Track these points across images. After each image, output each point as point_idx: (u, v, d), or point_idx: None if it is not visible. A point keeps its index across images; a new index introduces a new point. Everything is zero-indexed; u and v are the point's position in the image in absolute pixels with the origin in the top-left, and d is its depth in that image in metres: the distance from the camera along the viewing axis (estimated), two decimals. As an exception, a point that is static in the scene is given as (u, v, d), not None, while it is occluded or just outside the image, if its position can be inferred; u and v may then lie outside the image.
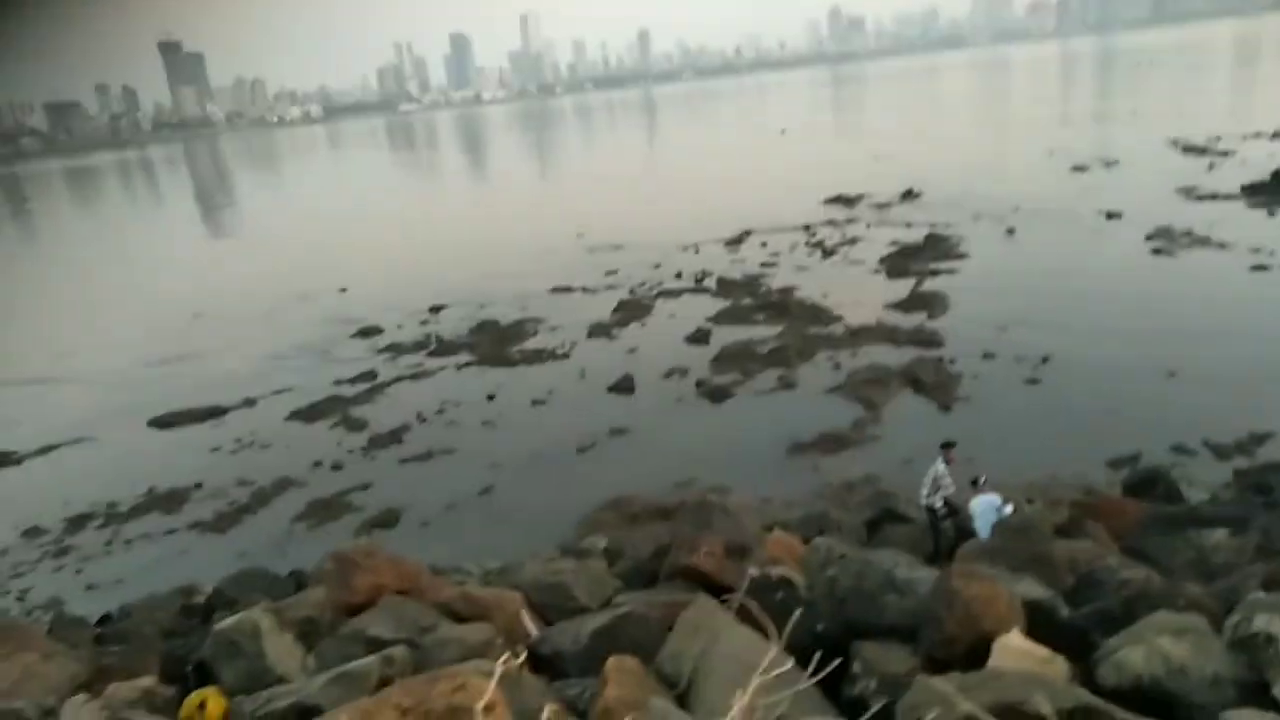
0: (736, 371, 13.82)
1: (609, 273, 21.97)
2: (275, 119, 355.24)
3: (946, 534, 7.36)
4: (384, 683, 3.20)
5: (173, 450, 13.29)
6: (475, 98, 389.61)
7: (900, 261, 19.49)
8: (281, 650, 4.01)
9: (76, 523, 10.99)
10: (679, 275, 20.76)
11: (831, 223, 25.17)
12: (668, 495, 10.08)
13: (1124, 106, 50.46)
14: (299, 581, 7.20)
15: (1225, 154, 28.71)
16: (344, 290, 23.27)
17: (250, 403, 14.98)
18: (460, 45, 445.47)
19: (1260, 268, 15.86)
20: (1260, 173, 23.37)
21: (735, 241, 23.96)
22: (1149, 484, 8.29)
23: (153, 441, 13.87)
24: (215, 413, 14.62)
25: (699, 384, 13.46)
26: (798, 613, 3.52)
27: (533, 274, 22.49)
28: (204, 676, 4.10)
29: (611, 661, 3.25)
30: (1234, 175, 24.25)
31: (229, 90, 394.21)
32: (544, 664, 4.20)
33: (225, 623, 4.07)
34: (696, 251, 23.23)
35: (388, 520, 10.31)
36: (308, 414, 14.10)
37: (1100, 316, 14.39)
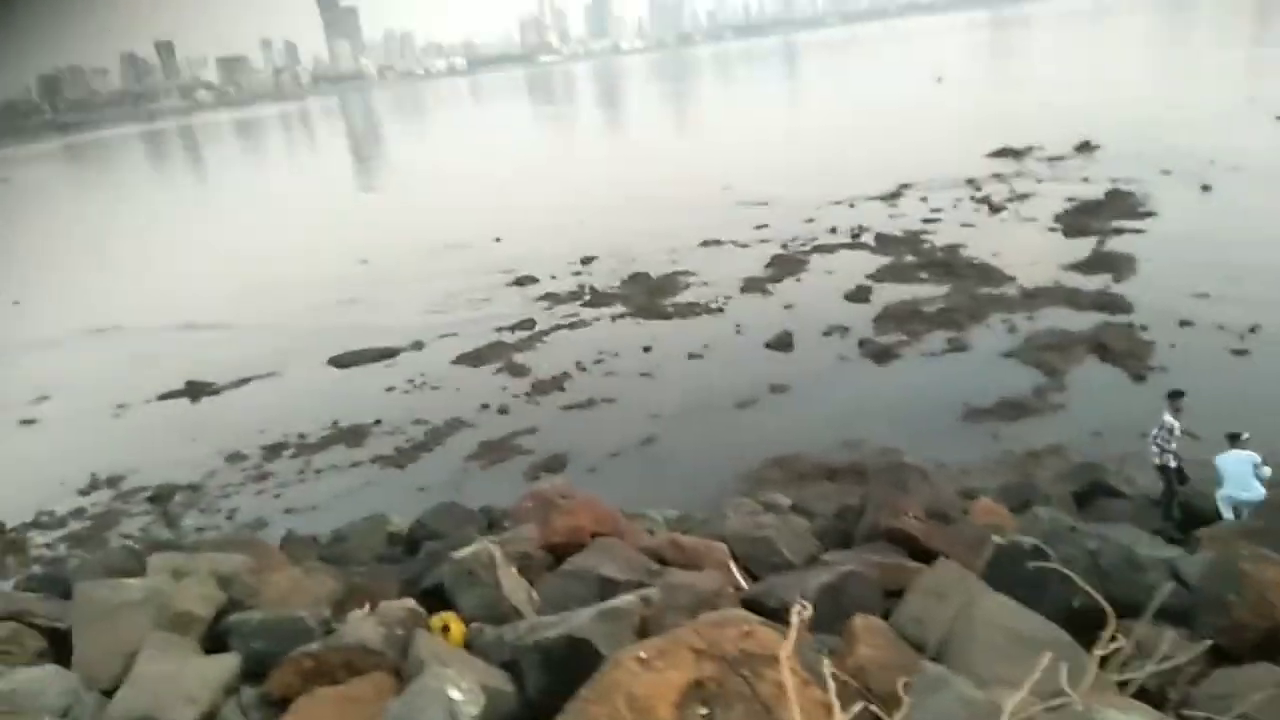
0: (902, 332, 13.33)
1: (759, 226, 21.59)
2: (422, 71, 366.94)
3: (1177, 500, 6.81)
4: (643, 622, 3.26)
5: (351, 388, 14.14)
6: (614, 47, 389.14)
7: (1079, 219, 18.18)
8: (512, 582, 4.17)
9: (272, 450, 11.88)
10: (833, 230, 20.16)
11: (998, 177, 23.74)
12: (833, 455, 9.90)
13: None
14: (490, 519, 7.48)
15: None
16: (498, 240, 23.93)
17: (419, 346, 15.70)
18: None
19: None
20: None
21: (893, 196, 23.00)
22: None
23: (332, 379, 14.79)
24: (388, 354, 15.42)
25: (862, 343, 13.08)
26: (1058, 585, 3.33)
27: (680, 227, 22.38)
28: (434, 601, 4.33)
29: (859, 620, 3.18)
30: None
31: (380, 44, 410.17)
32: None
33: (463, 552, 4.26)
34: (851, 206, 22.47)
35: (554, 465, 10.59)
36: (473, 358, 14.66)
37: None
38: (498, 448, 11.23)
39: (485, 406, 12.54)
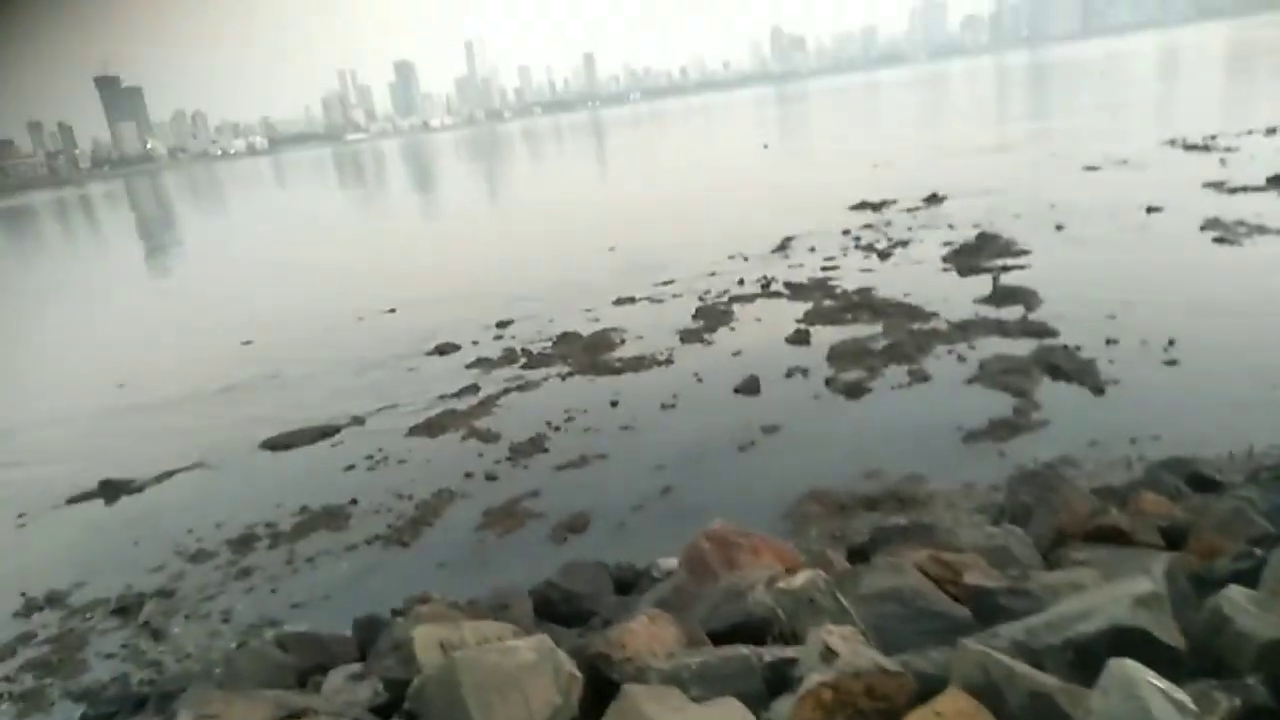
0: (860, 368, 13.93)
1: (663, 283, 22.00)
2: (219, 152, 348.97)
3: None
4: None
5: (301, 470, 12.94)
6: (423, 125, 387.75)
7: (965, 259, 19.89)
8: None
9: (242, 544, 10.60)
10: (741, 282, 20.89)
11: (870, 227, 25.59)
12: (860, 485, 10.12)
13: (1097, 110, 52.38)
14: (626, 576, 6.98)
15: (1229, 150, 29.93)
16: (393, 311, 22.95)
17: (360, 421, 14.65)
18: (405, 72, 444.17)
19: (1332, 250, 16.56)
20: (1277, 167, 24.53)
21: (781, 249, 24.19)
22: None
23: (273, 464, 13.47)
24: (327, 432, 14.27)
25: (829, 381, 13.55)
26: None
27: (581, 286, 22.48)
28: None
29: None
30: (1251, 170, 25.31)
31: (169, 124, 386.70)
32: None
33: (796, 582, 3.97)
34: (746, 260, 23.41)
35: (578, 524, 10.13)
36: (428, 429, 13.84)
37: (1195, 303, 14.81)
38: (505, 514, 10.61)
39: (469, 475, 11.85)
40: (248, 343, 21.49)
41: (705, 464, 11.35)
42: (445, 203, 60.67)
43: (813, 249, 23.57)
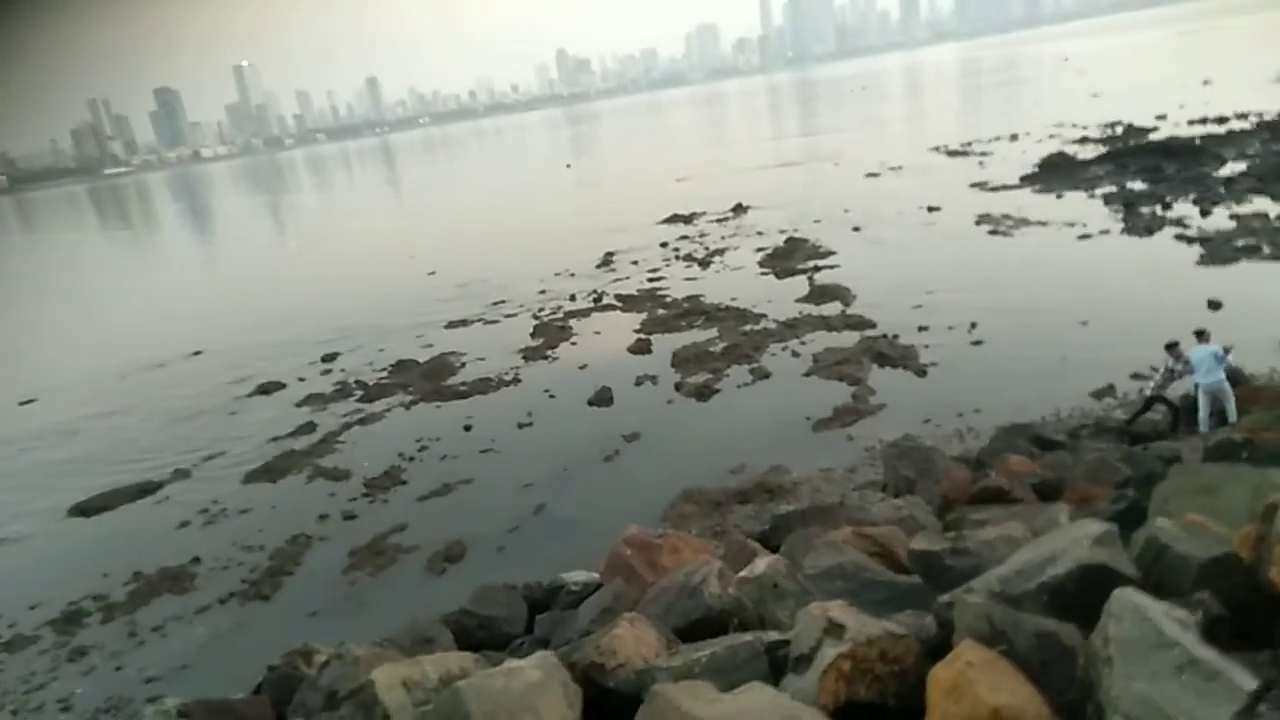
0: (704, 371, 14.46)
1: (494, 304, 21.77)
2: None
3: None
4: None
5: (125, 533, 11.65)
6: (193, 155, 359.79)
7: (779, 262, 21.15)
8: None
9: (68, 621, 9.40)
10: (573, 297, 21.05)
11: (685, 238, 26.59)
12: (728, 481, 10.50)
13: (865, 124, 57.43)
14: (537, 595, 6.77)
15: (984, 155, 33.77)
16: (198, 353, 21.16)
17: (183, 474, 13.39)
18: (168, 100, 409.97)
19: (1085, 237, 19.07)
20: (1024, 167, 28.06)
21: (604, 263, 24.61)
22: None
23: (88, 529, 12.02)
24: (148, 489, 12.94)
25: (678, 386, 13.96)
26: None
27: (401, 316, 21.78)
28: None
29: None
30: (1005, 171, 28.71)
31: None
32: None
33: (758, 570, 4.06)
34: (573, 275, 23.62)
35: (455, 552, 9.84)
36: (266, 473, 12.91)
37: (985, 288, 16.58)
38: (373, 552, 10.10)
39: (324, 516, 11.18)
40: (28, 401, 19.04)
41: (573, 477, 11.36)
42: (232, 239, 56.63)
43: (635, 262, 24.17)
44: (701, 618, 4.30)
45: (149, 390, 18.59)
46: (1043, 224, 20.76)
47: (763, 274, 20.63)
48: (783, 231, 24.71)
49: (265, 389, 17.22)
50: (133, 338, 24.83)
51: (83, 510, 12.49)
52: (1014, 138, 37.36)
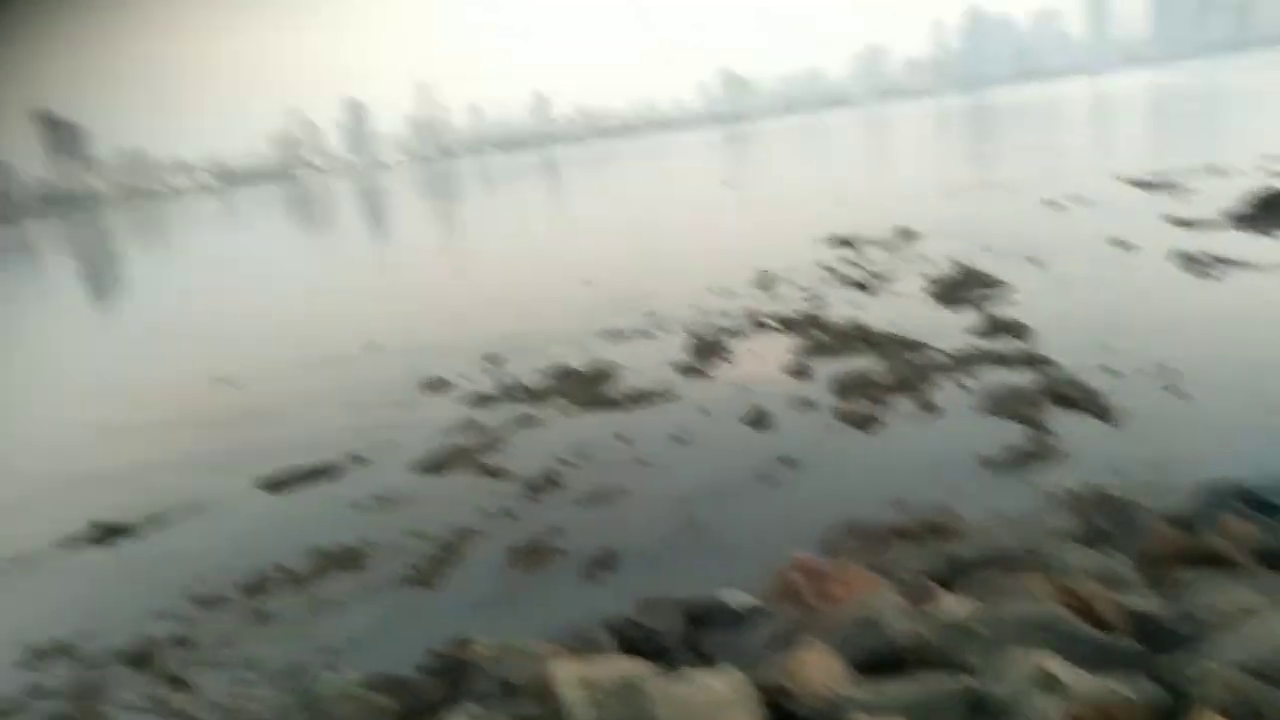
0: (866, 400, 14.04)
1: (649, 316, 22.04)
2: (166, 189, 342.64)
3: None
4: None
5: (304, 511, 12.54)
6: (375, 162, 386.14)
7: (948, 292, 20.30)
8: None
9: (254, 589, 10.18)
10: (728, 316, 21.02)
11: (847, 261, 26.02)
12: (888, 516, 10.12)
13: (1044, 150, 54.36)
14: (697, 611, 6.80)
15: (1180, 188, 31.20)
16: (373, 348, 22.58)
17: (359, 460, 14.30)
18: (356, 111, 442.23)
19: (1304, 281, 17.27)
20: (1230, 202, 25.67)
21: (761, 284, 24.43)
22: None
23: (272, 505, 13.02)
24: (327, 471, 13.90)
25: (839, 413, 13.62)
26: None
27: (559, 324, 22.41)
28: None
29: None
30: (1206, 206, 26.38)
31: (114, 161, 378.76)
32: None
33: (941, 609, 3.91)
34: (728, 294, 23.58)
35: (608, 561, 9.96)
36: (434, 466, 13.57)
37: (1183, 332, 15.27)
38: (530, 552, 10.38)
39: (486, 512, 11.61)
40: (226, 381, 20.88)
41: (728, 497, 11.28)
42: (403, 241, 60.21)
43: (793, 283, 23.85)
44: (882, 652, 4.14)
45: (328, 380, 19.99)
46: (1257, 268, 18.91)
47: (930, 303, 19.88)
48: (951, 259, 23.71)
49: (433, 386, 18.14)
50: (313, 329, 26.82)
51: (269, 485, 13.55)
52: (1217, 171, 34.32)
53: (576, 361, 18.57)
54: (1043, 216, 29.55)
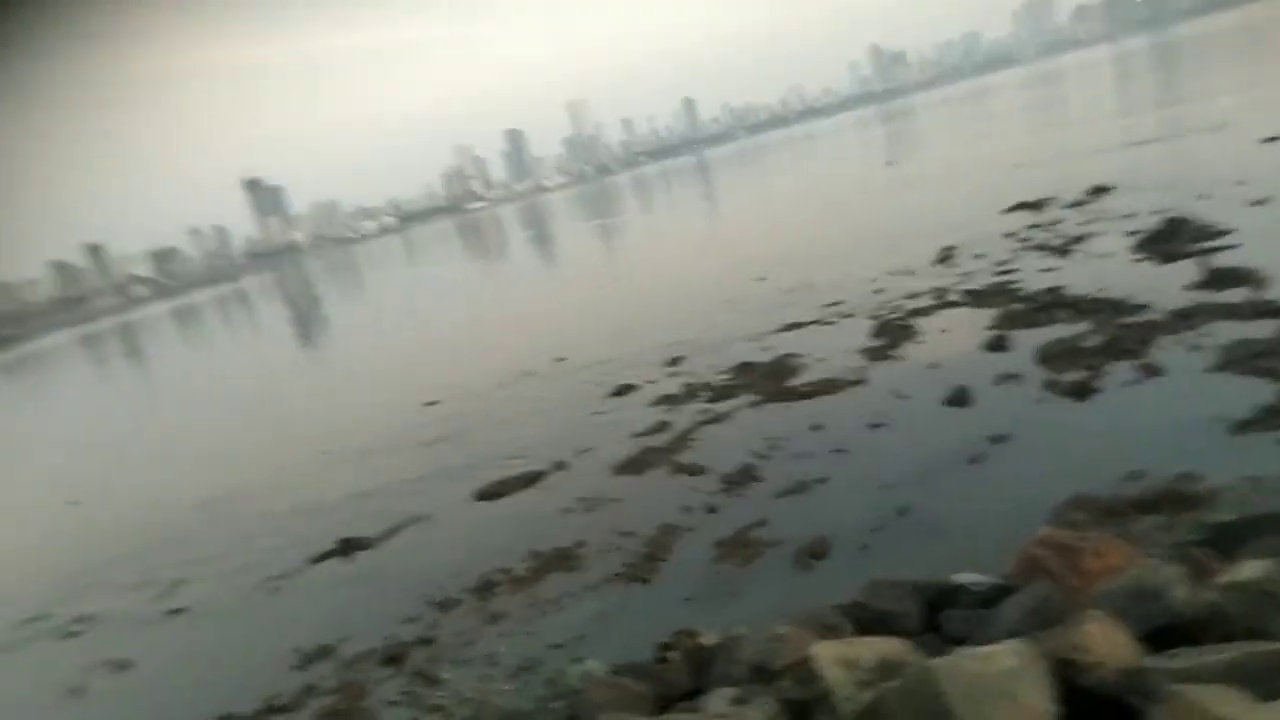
0: (1078, 369, 13.07)
1: (828, 305, 21.60)
2: (353, 235, 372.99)
3: None
4: None
5: (517, 517, 13.21)
6: (537, 186, 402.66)
7: (1160, 247, 18.56)
8: None
9: (482, 590, 10.82)
10: (913, 296, 20.23)
11: (1035, 227, 24.40)
12: (1125, 489, 9.37)
13: (1246, 86, 48.64)
14: (931, 594, 6.61)
15: None
16: (561, 360, 23.46)
17: (561, 466, 14.90)
18: (516, 140, 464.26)
19: None
20: None
21: (944, 259, 23.36)
22: None
23: (486, 513, 13.82)
24: (533, 478, 14.59)
25: (1049, 384, 12.78)
26: None
27: (736, 321, 22.37)
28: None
29: None
30: None
31: (308, 215, 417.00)
32: None
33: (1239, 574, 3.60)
34: (910, 274, 22.71)
35: (819, 550, 9.81)
36: (631, 467, 13.92)
37: None
38: (738, 544, 10.41)
39: (688, 509, 11.76)
40: (432, 403, 22.35)
41: (936, 480, 10.84)
42: (571, 257, 62.21)
43: (978, 255, 22.65)
44: (1166, 624, 3.82)
45: (523, 393, 20.96)
46: None
47: (1138, 260, 18.26)
48: (1157, 212, 21.63)
49: (620, 391, 18.63)
50: (503, 348, 28.19)
51: (484, 495, 14.38)
52: None
53: (758, 356, 18.49)
54: (1262, 154, 26.47)
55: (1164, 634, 3.77)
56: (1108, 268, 18.31)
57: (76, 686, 11.17)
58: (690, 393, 17.23)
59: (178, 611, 12.97)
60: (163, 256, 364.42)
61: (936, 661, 3.16)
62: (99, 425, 39.24)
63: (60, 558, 17.95)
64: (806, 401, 15.11)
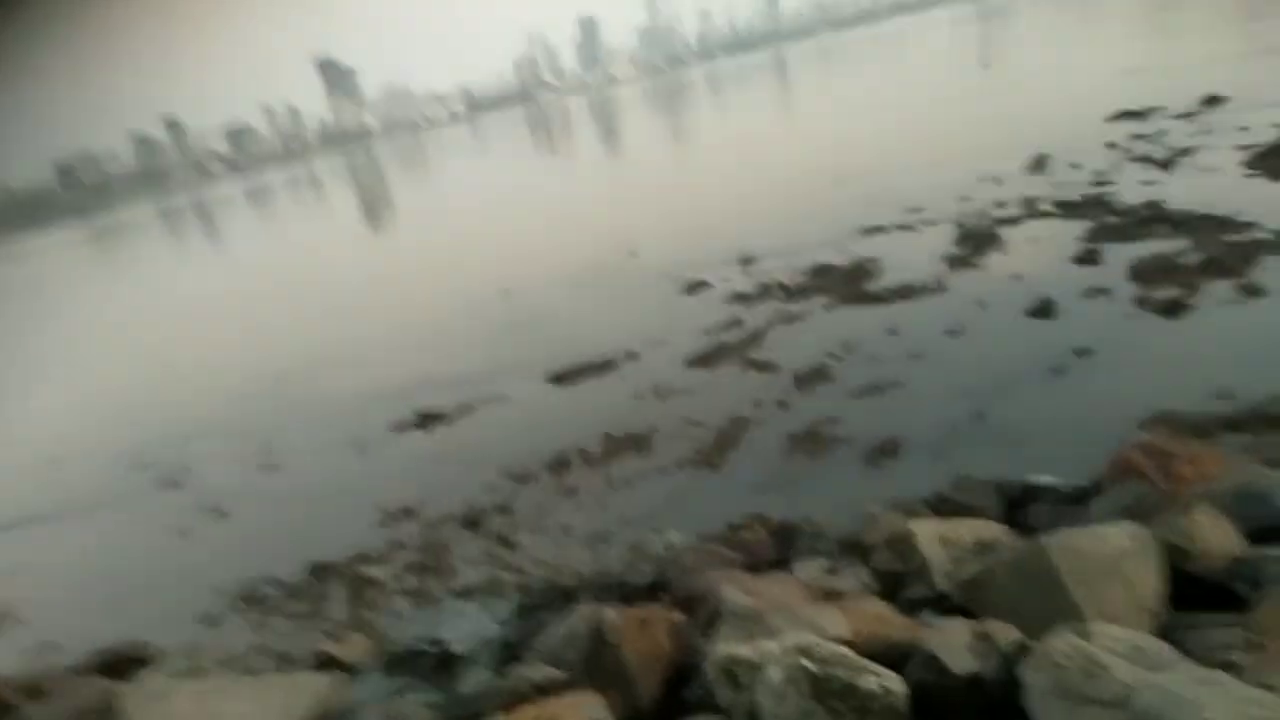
0: (1173, 286, 12.61)
1: (911, 210, 21.00)
2: (424, 121, 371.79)
3: None
4: None
5: (590, 401, 13.58)
6: (608, 78, 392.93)
7: (1273, 162, 17.47)
8: None
9: (557, 466, 11.27)
10: (1001, 204, 19.52)
11: (1138, 137, 23.09)
12: (1209, 406, 9.18)
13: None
14: (1013, 492, 6.69)
15: None
16: (634, 254, 23.46)
17: (633, 356, 15.14)
18: (589, 28, 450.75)
19: None
20: None
21: (1037, 167, 22.37)
22: None
23: (559, 396, 14.21)
24: (605, 366, 14.88)
25: (1140, 300, 12.39)
26: None
27: (813, 223, 21.93)
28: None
29: None
30: None
31: (380, 99, 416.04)
32: None
33: None
34: (999, 182, 21.84)
35: (889, 449, 9.92)
36: (703, 361, 14.08)
37: None
38: (809, 439, 10.58)
39: (759, 403, 11.92)
40: (507, 290, 22.69)
41: (1015, 390, 10.74)
42: (649, 154, 61.15)
43: (1074, 165, 21.60)
44: (1272, 525, 3.84)
45: (596, 285, 21.10)
46: None
47: (1249, 176, 17.23)
48: (1276, 125, 20.28)
49: (693, 287, 18.62)
50: (576, 242, 28.24)
51: (557, 378, 14.75)
52: None
53: (835, 259, 18.21)
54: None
55: (1270, 533, 3.79)
56: (1214, 182, 17.34)
57: (184, 528, 12.13)
58: (764, 292, 17.15)
59: (271, 467, 13.83)
60: (238, 135, 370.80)
61: (1048, 538, 3.25)
62: (190, 296, 40.96)
63: (165, 413, 19.16)
64: (883, 306, 14.94)
